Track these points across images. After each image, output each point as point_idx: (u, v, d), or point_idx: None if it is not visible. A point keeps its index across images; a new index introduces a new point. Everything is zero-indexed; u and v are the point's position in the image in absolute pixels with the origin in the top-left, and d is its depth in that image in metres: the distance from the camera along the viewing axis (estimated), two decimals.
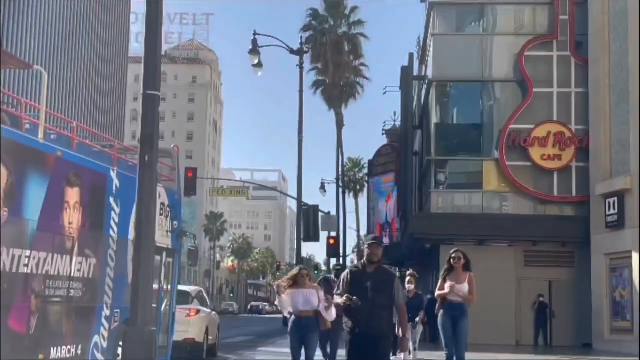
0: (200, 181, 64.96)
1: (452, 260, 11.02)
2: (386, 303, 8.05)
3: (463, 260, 11.07)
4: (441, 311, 11.06)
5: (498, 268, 28.56)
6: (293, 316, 10.98)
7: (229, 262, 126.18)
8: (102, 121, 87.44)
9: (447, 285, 10.95)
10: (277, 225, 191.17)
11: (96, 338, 11.50)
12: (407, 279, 14.25)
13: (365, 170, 66.79)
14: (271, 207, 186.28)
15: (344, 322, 8.17)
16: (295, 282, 11.12)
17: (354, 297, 7.87)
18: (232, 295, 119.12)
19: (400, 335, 13.03)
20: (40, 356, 10.12)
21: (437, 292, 11.28)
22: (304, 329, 10.76)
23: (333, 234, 36.93)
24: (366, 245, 8.49)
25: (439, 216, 29.47)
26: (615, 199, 25.95)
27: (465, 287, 10.82)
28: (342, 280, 8.34)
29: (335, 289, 8.51)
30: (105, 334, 11.65)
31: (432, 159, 30.97)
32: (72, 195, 10.79)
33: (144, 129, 9.56)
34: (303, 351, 11.01)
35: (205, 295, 22.03)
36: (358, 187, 78.57)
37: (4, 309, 9.16)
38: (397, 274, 44.18)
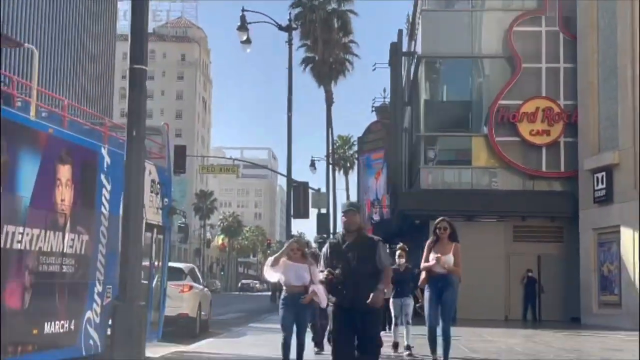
0: (189, 159, 64.82)
1: (438, 231, 10.50)
2: (372, 271, 7.41)
3: (449, 229, 10.47)
4: (426, 285, 10.52)
5: (487, 243, 28.71)
6: (285, 292, 10.49)
7: (219, 240, 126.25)
8: (91, 97, 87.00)
9: (432, 256, 10.34)
10: (267, 203, 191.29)
11: (89, 313, 11.64)
12: (398, 252, 13.75)
13: (355, 148, 66.79)
14: (261, 185, 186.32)
15: (329, 298, 7.78)
16: (289, 257, 10.59)
17: (336, 271, 7.39)
18: (222, 273, 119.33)
19: (392, 308, 12.84)
20: (34, 331, 10.26)
21: (422, 264, 10.53)
22: (296, 305, 10.24)
23: (323, 210, 36.97)
24: (342, 214, 7.94)
25: (429, 192, 29.56)
26: (604, 174, 26.07)
27: (450, 258, 10.21)
28: (322, 256, 7.87)
29: (313, 272, 8.18)
30: (98, 310, 11.77)
31: (421, 136, 31.00)
32: (64, 172, 10.87)
33: (131, 103, 9.54)
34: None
35: (197, 272, 22.47)
36: (348, 165, 78.62)
37: None
38: (387, 250, 44.29)
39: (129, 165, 9.43)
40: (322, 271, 7.69)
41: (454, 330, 20.26)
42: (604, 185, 26.08)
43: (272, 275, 10.55)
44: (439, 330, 10.54)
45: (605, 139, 26.79)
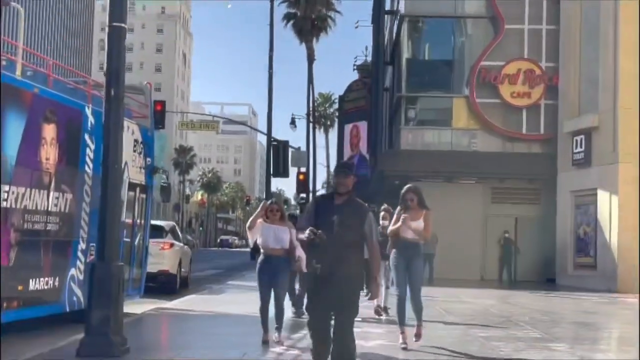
0: (169, 114, 64.41)
1: (407, 202, 9.85)
2: (356, 240, 6.74)
3: (416, 198, 9.89)
4: (394, 250, 9.93)
5: (465, 205, 28.88)
6: (262, 254, 9.89)
7: (198, 196, 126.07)
8: (71, 50, 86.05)
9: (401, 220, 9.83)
10: (246, 160, 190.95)
11: (72, 271, 11.85)
12: (382, 214, 13.36)
13: (336, 106, 66.60)
14: (241, 141, 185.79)
15: (306, 261, 7.04)
16: (267, 217, 9.98)
17: (319, 231, 6.58)
18: (201, 228, 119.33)
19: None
20: (20, 287, 10.44)
21: (390, 227, 10.08)
22: (274, 269, 9.69)
23: (303, 169, 36.95)
24: (333, 175, 7.26)
25: (408, 153, 29.58)
26: (583, 137, 26.17)
27: (420, 224, 9.74)
28: (306, 211, 7.11)
29: (298, 220, 7.38)
30: (81, 267, 11.96)
31: (402, 96, 30.93)
32: (49, 131, 10.97)
33: (109, 63, 9.41)
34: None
35: (178, 230, 22.73)
36: (328, 123, 78.51)
37: None
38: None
39: (107, 125, 9.33)
40: (301, 228, 6.88)
41: (431, 290, 20.47)
42: (583, 148, 26.20)
43: (251, 239, 10.27)
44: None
45: (586, 102, 26.85)
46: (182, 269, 20.68)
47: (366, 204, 7.23)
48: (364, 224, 6.78)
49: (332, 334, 6.71)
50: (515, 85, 29.17)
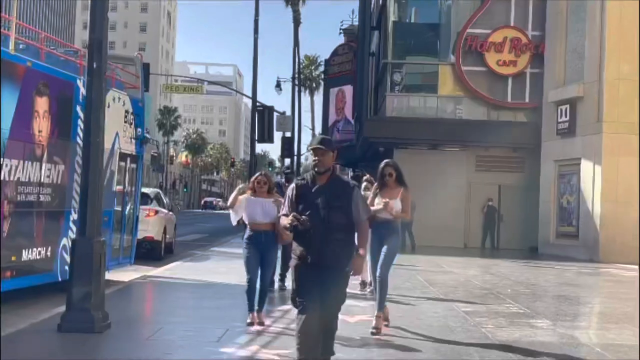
0: (153, 75, 63.83)
1: (383, 177, 9.48)
2: (344, 222, 6.26)
3: (395, 174, 9.50)
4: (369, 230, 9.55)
5: (450, 172, 28.93)
6: (248, 230, 9.42)
7: (182, 157, 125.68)
8: (54, 26, 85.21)
9: (378, 201, 9.43)
10: (231, 121, 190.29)
11: (64, 241, 12.18)
12: (364, 184, 12.98)
13: (322, 68, 66.26)
14: (226, 102, 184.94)
15: (292, 250, 6.44)
16: (254, 190, 9.49)
17: (303, 217, 6.15)
18: (185, 190, 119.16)
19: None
20: (13, 258, 10.72)
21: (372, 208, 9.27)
22: (263, 246, 9.28)
23: (288, 134, 36.83)
24: (310, 151, 6.69)
25: (393, 120, 29.51)
26: (567, 106, 26.17)
27: (398, 203, 9.30)
28: (287, 198, 6.50)
29: (280, 208, 6.78)
30: (73, 237, 11.73)
31: (388, 62, 30.77)
32: (42, 104, 11.23)
33: (92, 33, 9.28)
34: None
35: (163, 197, 23.24)
36: (314, 85, 78.19)
37: None
38: (350, 173, 44.21)
39: (89, 99, 9.22)
40: (285, 215, 6.38)
41: (413, 259, 20.54)
42: (567, 118, 26.21)
43: (234, 217, 9.64)
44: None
45: (571, 71, 26.81)
46: (167, 236, 21.02)
47: (351, 180, 6.92)
48: (352, 203, 6.31)
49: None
50: (502, 53, 29.06)
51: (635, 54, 23.84)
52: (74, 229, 11.99)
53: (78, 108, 12.11)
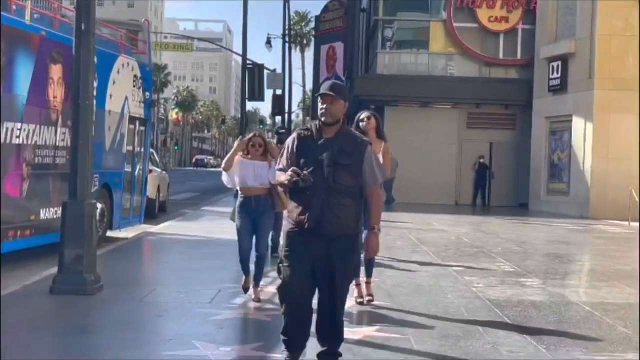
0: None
1: (361, 123, 8.28)
2: (352, 185, 5.34)
3: (375, 124, 8.41)
4: None
5: (441, 129, 28.93)
6: (240, 196, 8.59)
7: (173, 114, 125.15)
8: None
9: None
10: (222, 78, 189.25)
11: None
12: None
13: (312, 24, 65.79)
14: (216, 58, 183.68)
15: (288, 212, 5.52)
16: (247, 152, 8.60)
17: (304, 172, 5.26)
18: (176, 148, 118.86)
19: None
20: (32, 217, 11.54)
21: None
22: (255, 212, 8.42)
23: (278, 91, 36.64)
24: (319, 98, 5.51)
25: (385, 77, 29.40)
26: (559, 62, 26.09)
27: (380, 158, 7.71)
28: (285, 149, 5.54)
29: (277, 161, 5.75)
30: None
31: (379, 19, 30.56)
32: (56, 71, 11.90)
33: None
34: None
35: (156, 156, 23.73)
36: (305, 42, 77.71)
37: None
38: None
39: (77, 60, 9.11)
40: (281, 169, 5.48)
41: (403, 216, 20.60)
42: (559, 74, 26.14)
43: (226, 179, 8.73)
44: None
45: (563, 27, 26.69)
46: (160, 194, 21.42)
47: (364, 136, 5.74)
48: (363, 162, 5.35)
49: (316, 310, 5.52)
50: (493, 9, 28.91)
51: (633, 8, 23.72)
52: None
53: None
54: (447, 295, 9.20)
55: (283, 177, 5.34)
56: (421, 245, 14.51)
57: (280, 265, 5.49)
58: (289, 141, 5.54)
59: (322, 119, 5.39)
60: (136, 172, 15.50)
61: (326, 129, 5.40)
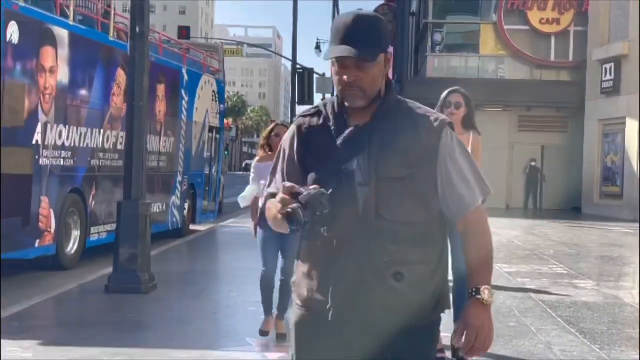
0: (193, 38, 63.85)
1: (448, 109, 6.16)
2: (419, 217, 2.60)
3: (465, 108, 6.29)
4: None
5: (491, 132, 28.49)
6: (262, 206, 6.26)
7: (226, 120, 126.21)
8: None
9: None
10: (271, 83, 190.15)
11: (173, 198, 15.47)
12: None
13: None
14: (266, 64, 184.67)
15: (294, 283, 2.75)
16: (269, 147, 6.90)
17: (308, 190, 2.47)
18: (226, 152, 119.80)
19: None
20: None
21: None
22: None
23: (328, 95, 36.74)
24: (331, 62, 2.62)
25: (434, 80, 29.22)
26: (612, 64, 25.73)
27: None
28: (279, 154, 2.79)
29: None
30: (178, 194, 15.72)
31: (428, 22, 30.47)
32: (160, 90, 14.32)
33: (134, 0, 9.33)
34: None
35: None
36: None
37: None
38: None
39: (132, 62, 9.27)
40: (272, 194, 2.73)
41: None
42: (612, 76, 25.79)
43: (246, 197, 7.12)
44: None
45: (615, 28, 26.32)
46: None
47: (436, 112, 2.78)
48: (436, 166, 2.65)
49: None
50: (545, 11, 28.62)
51: None
52: (179, 188, 15.69)
53: (182, 91, 15.59)
54: (498, 296, 9.13)
55: (273, 209, 2.58)
56: None
57: None
58: (285, 139, 2.81)
59: (347, 101, 2.64)
60: (212, 174, 18.20)
61: (354, 112, 2.65)
